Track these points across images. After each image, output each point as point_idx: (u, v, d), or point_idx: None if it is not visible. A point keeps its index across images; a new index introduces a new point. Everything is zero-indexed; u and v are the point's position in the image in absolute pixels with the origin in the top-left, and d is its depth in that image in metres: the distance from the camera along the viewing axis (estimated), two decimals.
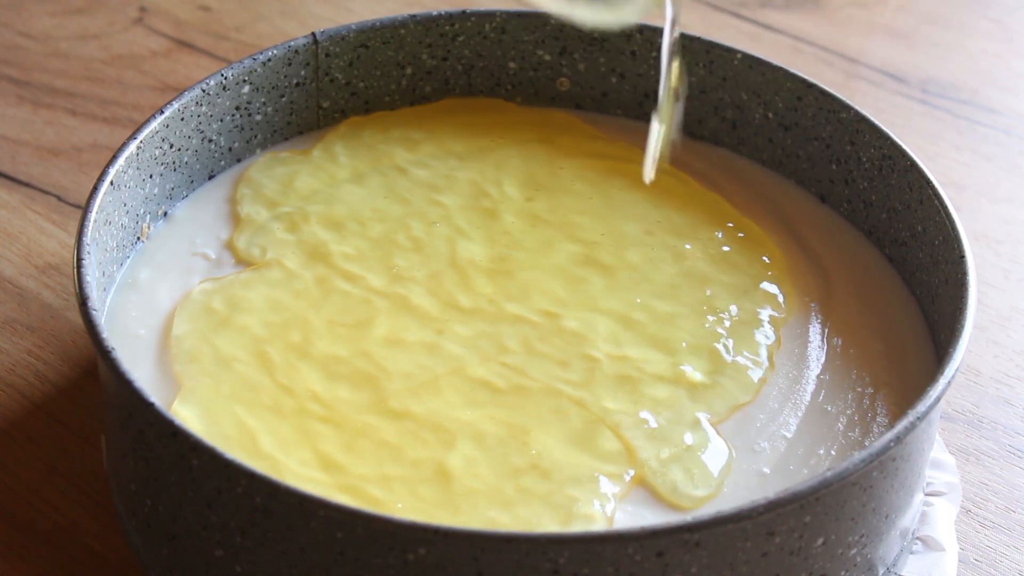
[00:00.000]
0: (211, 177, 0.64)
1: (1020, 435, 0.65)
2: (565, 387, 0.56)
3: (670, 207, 0.65)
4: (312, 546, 0.47)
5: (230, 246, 0.62)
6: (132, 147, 0.58)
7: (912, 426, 0.50)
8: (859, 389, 0.57)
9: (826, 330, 0.60)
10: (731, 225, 0.64)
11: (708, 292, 0.60)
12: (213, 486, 0.48)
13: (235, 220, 0.63)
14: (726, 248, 0.63)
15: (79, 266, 0.53)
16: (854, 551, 0.51)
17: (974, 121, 0.81)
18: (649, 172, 0.61)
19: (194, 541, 0.50)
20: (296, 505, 0.46)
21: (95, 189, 0.56)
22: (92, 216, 0.55)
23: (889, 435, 0.49)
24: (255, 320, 0.58)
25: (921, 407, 0.50)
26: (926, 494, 0.58)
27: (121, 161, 0.57)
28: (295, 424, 0.54)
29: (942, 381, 0.52)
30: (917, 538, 0.57)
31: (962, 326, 0.53)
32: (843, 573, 0.51)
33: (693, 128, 0.68)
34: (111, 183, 0.57)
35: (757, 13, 0.88)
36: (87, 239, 0.54)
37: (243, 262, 0.61)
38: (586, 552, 0.46)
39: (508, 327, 0.58)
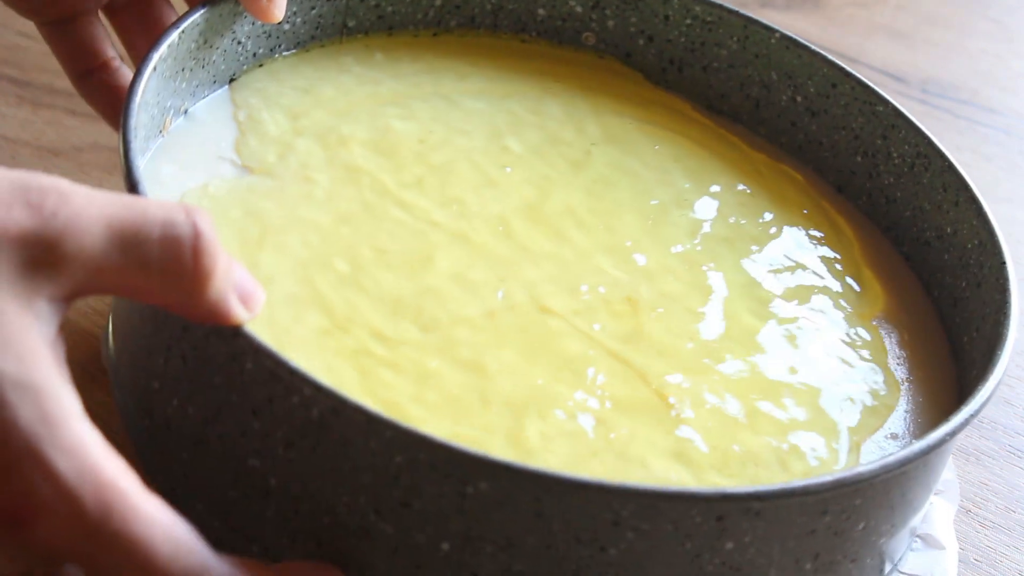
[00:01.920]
0: (231, 80, 0.63)
1: (1020, 435, 0.64)
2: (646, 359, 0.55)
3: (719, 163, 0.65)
4: (365, 467, 0.45)
5: (241, 150, 0.60)
6: (174, 35, 0.57)
7: (966, 422, 0.50)
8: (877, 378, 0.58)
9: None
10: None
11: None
12: (265, 393, 0.46)
13: (251, 125, 0.62)
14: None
15: (126, 145, 0.52)
16: (883, 540, 0.51)
17: (974, 121, 0.81)
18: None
19: (226, 448, 0.48)
20: (362, 423, 0.44)
21: (140, 71, 0.55)
22: (137, 97, 0.54)
23: (945, 428, 0.49)
24: (293, 239, 0.56)
25: (975, 404, 0.51)
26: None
27: (164, 47, 0.57)
28: (355, 366, 0.52)
29: (992, 380, 0.52)
30: (918, 536, 0.57)
31: (1007, 331, 0.54)
32: (869, 559, 0.51)
33: (713, 102, 0.68)
34: (154, 68, 0.56)
35: (757, 13, 0.88)
36: (133, 121, 0.53)
37: (259, 170, 0.59)
38: (651, 507, 0.45)
39: (596, 277, 0.57)
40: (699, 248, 0.60)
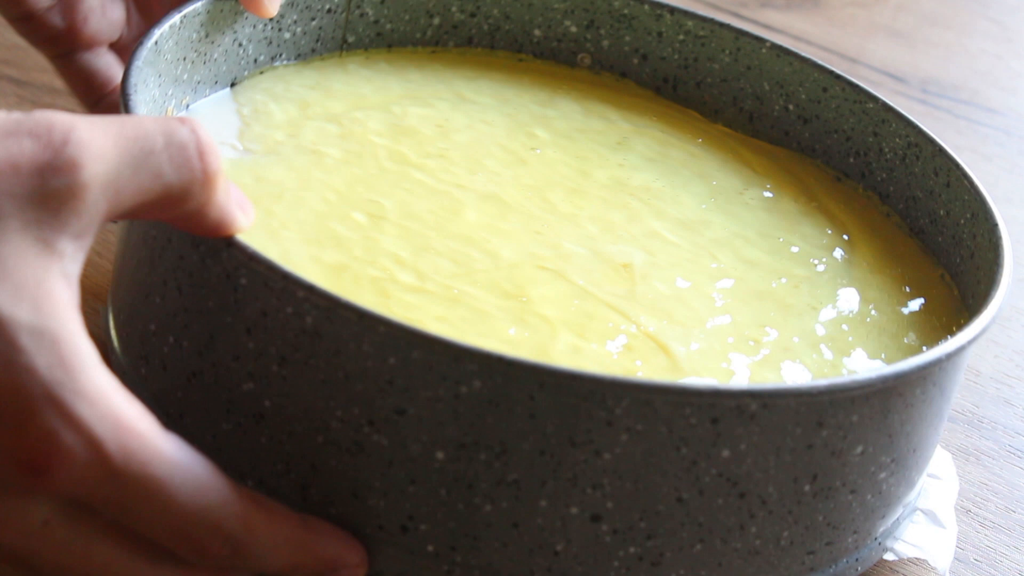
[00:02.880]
0: (233, 85, 0.64)
1: (1020, 435, 0.65)
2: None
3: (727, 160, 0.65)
4: (358, 373, 0.45)
5: (244, 136, 0.60)
6: (176, 18, 0.58)
7: (964, 346, 0.50)
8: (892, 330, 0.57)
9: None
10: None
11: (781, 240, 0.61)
12: (258, 307, 0.46)
13: (256, 116, 0.62)
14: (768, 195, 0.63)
15: (126, 100, 0.52)
16: (883, 474, 0.51)
17: (974, 121, 0.81)
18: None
19: (219, 376, 0.48)
20: (353, 321, 0.45)
21: (141, 44, 0.56)
22: (139, 64, 0.55)
23: (946, 347, 0.49)
24: (310, 195, 0.55)
25: (973, 329, 0.51)
26: (929, 475, 0.58)
27: (166, 27, 0.57)
28: (377, 290, 0.51)
29: (990, 310, 0.52)
30: (919, 509, 0.57)
31: (1002, 257, 0.54)
32: (870, 496, 0.51)
33: (709, 116, 0.68)
34: (155, 43, 0.57)
35: (757, 13, 0.88)
36: (133, 79, 0.53)
37: (264, 149, 0.59)
38: (645, 404, 0.45)
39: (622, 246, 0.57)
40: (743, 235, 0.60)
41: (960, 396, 0.66)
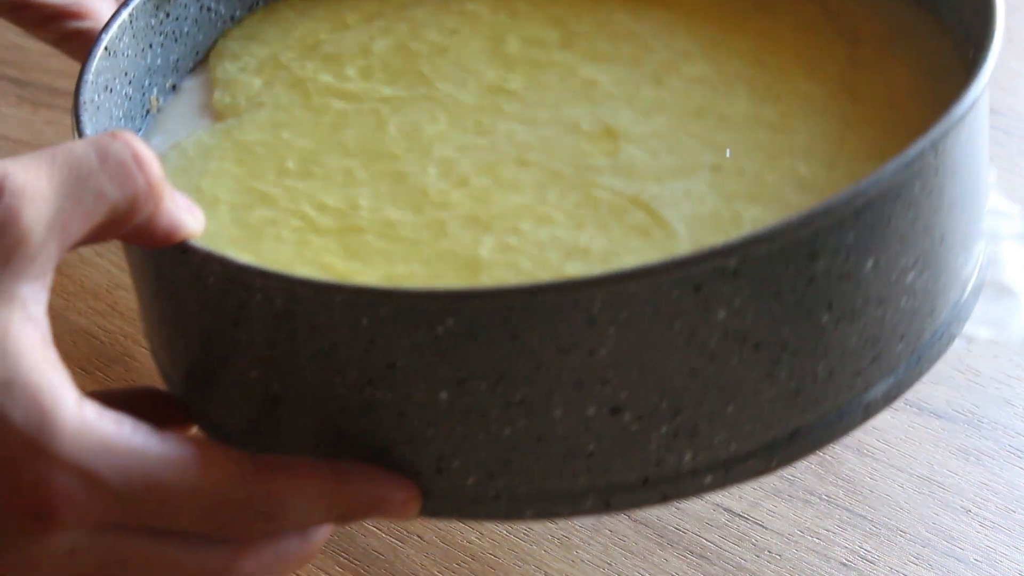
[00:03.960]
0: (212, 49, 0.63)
1: (1020, 435, 0.65)
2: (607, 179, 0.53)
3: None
4: (341, 341, 0.45)
5: (212, 105, 0.60)
6: (124, 15, 0.58)
7: (945, 132, 0.47)
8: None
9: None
10: None
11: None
12: (234, 301, 0.47)
13: (216, 82, 0.61)
14: None
15: (77, 121, 0.52)
16: (911, 276, 0.48)
17: None
18: None
19: (227, 371, 0.49)
20: (311, 297, 0.45)
21: (91, 54, 0.56)
22: (89, 77, 0.55)
23: (922, 142, 0.46)
24: (229, 164, 0.56)
25: (956, 112, 0.48)
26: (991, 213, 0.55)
27: (115, 28, 0.57)
28: (298, 240, 0.52)
29: (977, 83, 0.49)
30: (986, 283, 0.53)
31: (994, 26, 0.52)
32: (904, 300, 0.48)
33: None
34: (105, 48, 0.56)
35: None
36: (84, 97, 0.54)
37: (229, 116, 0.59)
38: (618, 294, 0.44)
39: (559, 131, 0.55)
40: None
41: (960, 396, 0.66)
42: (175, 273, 0.49)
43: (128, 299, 0.72)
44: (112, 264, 0.73)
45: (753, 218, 0.51)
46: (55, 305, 0.67)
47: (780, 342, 0.46)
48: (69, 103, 0.79)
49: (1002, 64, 0.88)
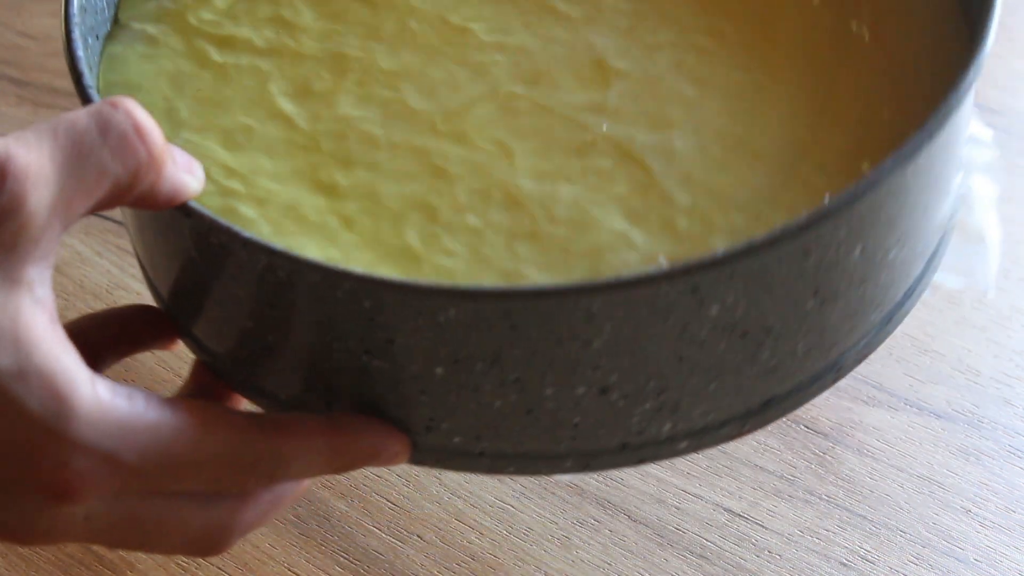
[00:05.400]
0: None
1: (1020, 435, 0.65)
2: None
3: None
4: (342, 315, 0.46)
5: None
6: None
7: (939, 125, 0.46)
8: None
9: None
10: None
11: None
12: (233, 262, 0.47)
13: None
14: None
15: (70, 41, 0.51)
16: (893, 253, 0.48)
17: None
18: None
19: (225, 315, 0.49)
20: (319, 279, 0.45)
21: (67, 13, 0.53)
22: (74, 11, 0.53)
23: (920, 137, 0.46)
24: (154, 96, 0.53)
25: (953, 98, 0.47)
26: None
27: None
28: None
29: (975, 62, 0.49)
30: (955, 227, 0.52)
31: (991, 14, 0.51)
32: (883, 275, 0.49)
33: None
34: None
35: None
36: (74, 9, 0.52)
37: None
38: (617, 297, 0.45)
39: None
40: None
41: (960, 396, 0.66)
42: (179, 235, 0.49)
43: (128, 299, 0.72)
44: (112, 264, 0.73)
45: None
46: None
47: (766, 329, 0.47)
48: (69, 103, 0.79)
49: (1002, 64, 0.88)
